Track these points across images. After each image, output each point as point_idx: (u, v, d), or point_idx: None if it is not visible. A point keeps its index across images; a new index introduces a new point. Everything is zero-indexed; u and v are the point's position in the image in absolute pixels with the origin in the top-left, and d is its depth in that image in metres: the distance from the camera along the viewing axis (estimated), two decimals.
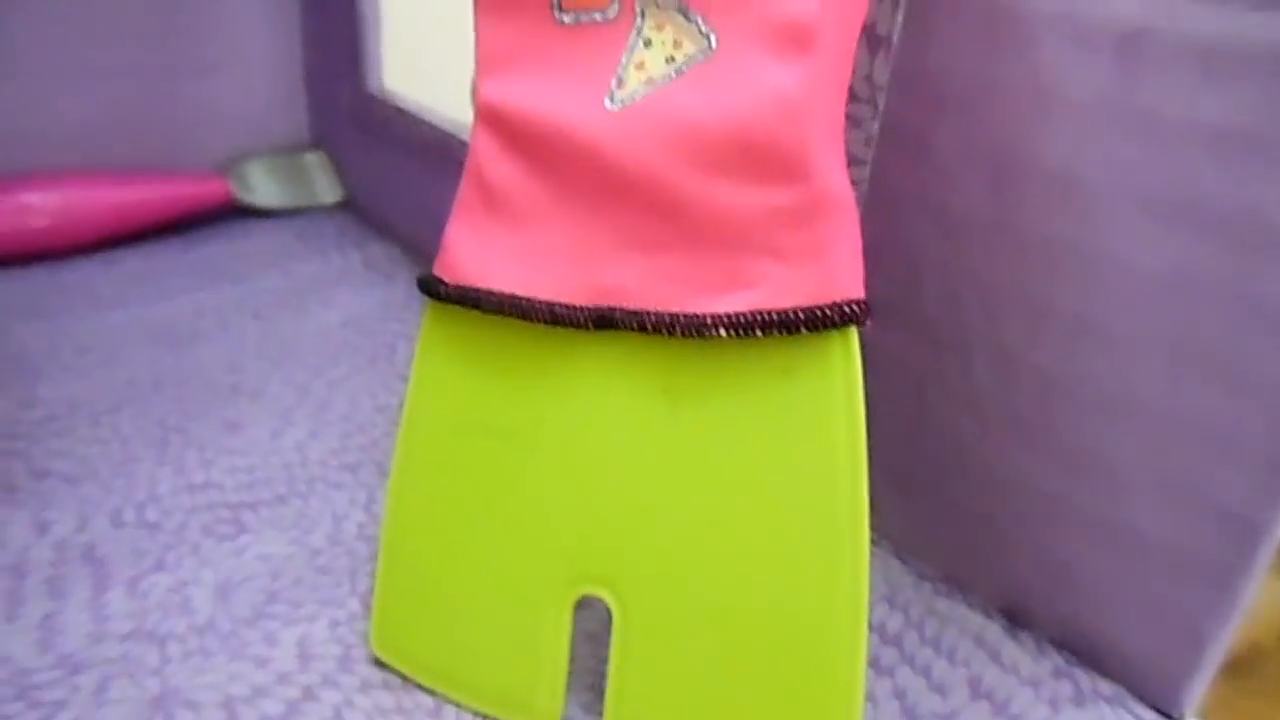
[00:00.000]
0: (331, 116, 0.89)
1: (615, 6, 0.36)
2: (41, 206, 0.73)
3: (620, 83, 0.35)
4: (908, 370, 0.41)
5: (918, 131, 0.39)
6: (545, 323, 0.36)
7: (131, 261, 0.76)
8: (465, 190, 0.39)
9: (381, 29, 0.79)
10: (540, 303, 0.35)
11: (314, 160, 0.89)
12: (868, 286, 0.34)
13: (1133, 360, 0.34)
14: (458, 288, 0.37)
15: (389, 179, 0.82)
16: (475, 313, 0.37)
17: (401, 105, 0.76)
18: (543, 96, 0.37)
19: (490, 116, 0.38)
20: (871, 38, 0.39)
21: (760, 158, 0.32)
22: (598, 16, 0.36)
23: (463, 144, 0.68)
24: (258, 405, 0.57)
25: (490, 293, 0.36)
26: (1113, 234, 0.33)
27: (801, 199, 0.32)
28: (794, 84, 0.32)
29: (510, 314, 0.36)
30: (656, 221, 0.34)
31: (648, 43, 0.35)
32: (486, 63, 0.38)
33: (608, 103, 0.35)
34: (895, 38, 0.38)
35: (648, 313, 0.34)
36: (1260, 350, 0.30)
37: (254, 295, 0.72)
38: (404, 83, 0.79)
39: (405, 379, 0.61)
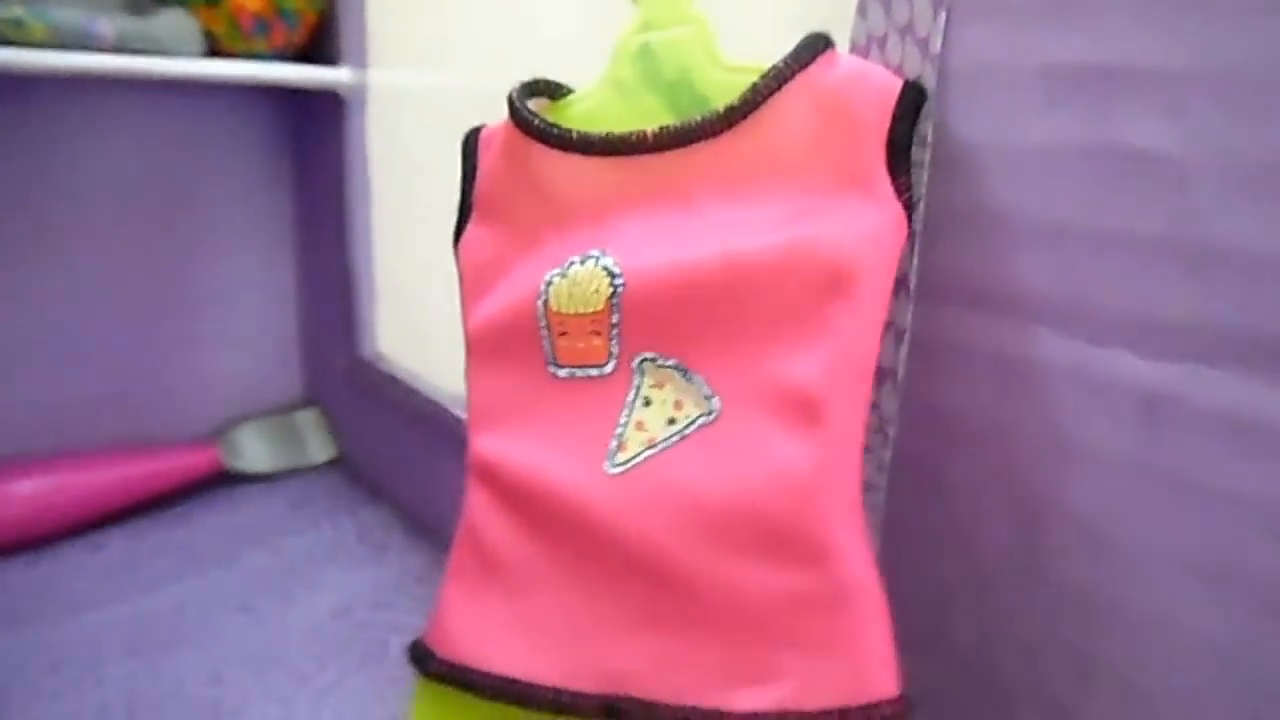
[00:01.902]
0: (326, 376, 0.88)
1: (612, 363, 0.35)
2: (24, 495, 0.71)
3: (621, 444, 0.33)
4: (944, 713, 0.38)
5: (931, 465, 0.37)
6: (548, 711, 0.32)
7: (116, 545, 0.73)
8: (459, 551, 0.36)
9: (376, 297, 0.79)
10: (544, 689, 0.32)
11: (306, 418, 0.87)
12: (893, 616, 0.32)
13: None
14: (450, 665, 0.34)
15: (382, 441, 0.81)
16: (468, 693, 0.34)
17: (395, 372, 0.76)
18: (539, 454, 0.35)
19: (484, 473, 0.36)
20: (877, 369, 0.38)
21: (773, 537, 0.30)
22: (594, 372, 0.35)
23: (455, 417, 0.67)
24: None
25: (487, 674, 0.33)
26: (1158, 594, 0.31)
27: (822, 585, 0.29)
28: (804, 459, 0.30)
29: (508, 700, 0.33)
30: (667, 599, 0.32)
31: (647, 401, 0.34)
32: (479, 416, 0.37)
33: (608, 465, 0.33)
34: (901, 372, 0.37)
35: (661, 705, 0.31)
36: None
37: (240, 580, 0.68)
38: (398, 349, 0.79)
39: (396, 683, 0.57)
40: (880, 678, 0.29)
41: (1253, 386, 0.28)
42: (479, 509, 0.36)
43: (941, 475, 0.37)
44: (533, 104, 0.38)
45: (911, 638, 0.32)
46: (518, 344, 0.36)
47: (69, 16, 0.58)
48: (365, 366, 0.79)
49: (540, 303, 0.35)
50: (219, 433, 0.83)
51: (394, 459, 0.79)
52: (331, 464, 0.88)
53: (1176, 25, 0.28)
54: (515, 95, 0.38)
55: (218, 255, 0.82)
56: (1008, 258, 0.33)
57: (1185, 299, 0.29)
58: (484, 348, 0.37)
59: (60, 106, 0.70)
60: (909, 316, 0.36)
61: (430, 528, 0.75)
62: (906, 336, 0.37)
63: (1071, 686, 0.34)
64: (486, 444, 0.36)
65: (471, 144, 0.40)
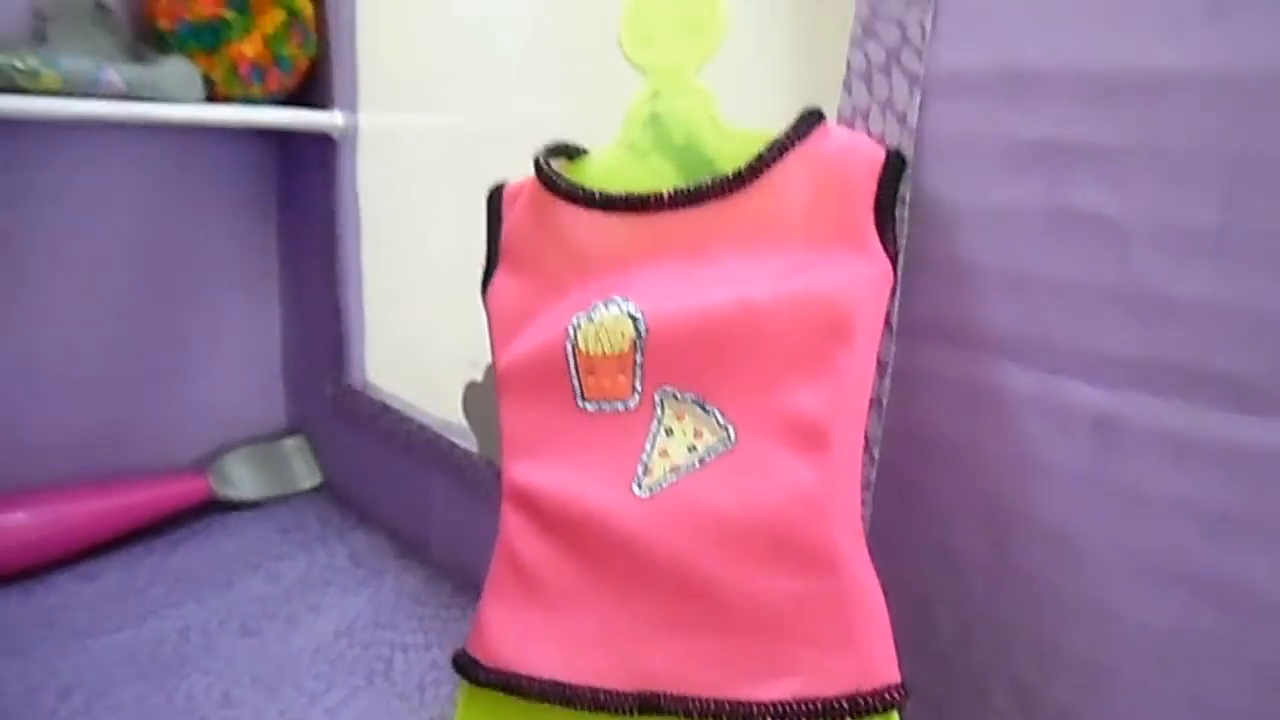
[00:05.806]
0: (311, 405, 0.91)
1: (636, 397, 0.39)
2: (18, 526, 0.72)
3: (646, 470, 0.38)
4: (927, 700, 0.43)
5: (911, 482, 0.42)
6: (589, 709, 0.36)
7: (111, 574, 0.74)
8: (497, 569, 0.40)
9: (365, 327, 0.82)
10: (583, 689, 0.36)
11: (293, 446, 0.90)
12: None
13: (1152, 708, 0.36)
14: (496, 671, 0.38)
15: (371, 468, 0.83)
16: (514, 697, 0.38)
17: (385, 400, 0.79)
18: (571, 480, 0.39)
19: (519, 499, 0.40)
20: None
21: (787, 548, 0.35)
22: (619, 406, 0.39)
23: (449, 441, 0.71)
24: None
25: (532, 678, 0.37)
26: (1112, 590, 0.36)
27: (831, 589, 0.34)
28: (814, 480, 0.35)
29: (553, 700, 0.37)
30: (693, 606, 0.36)
31: (669, 431, 0.38)
32: (513, 447, 0.41)
33: (635, 489, 0.38)
34: (884, 400, 0.42)
35: (692, 698, 0.35)
36: (1273, 712, 0.33)
37: (241, 605, 0.70)
38: (386, 378, 0.82)
39: (404, 698, 0.60)
40: (884, 667, 0.34)
41: (1188, 410, 0.33)
42: (515, 531, 0.40)
43: (921, 491, 0.42)
44: (554, 164, 0.42)
45: (897, 638, 0.36)
46: (547, 381, 0.40)
47: (80, 66, 0.60)
48: (354, 395, 0.82)
49: (568, 344, 0.39)
50: (208, 462, 0.85)
51: (382, 484, 0.82)
52: (317, 490, 0.90)
53: (1117, 110, 0.34)
54: (541, 157, 0.42)
55: (205, 290, 0.84)
56: (976, 301, 0.39)
57: (1128, 337, 0.35)
58: (515, 385, 0.41)
59: (52, 149, 0.72)
60: (891, 352, 0.41)
61: (421, 550, 0.78)
62: (889, 369, 0.42)
63: (1037, 673, 0.39)
64: (521, 472, 0.40)
65: (496, 199, 0.44)
